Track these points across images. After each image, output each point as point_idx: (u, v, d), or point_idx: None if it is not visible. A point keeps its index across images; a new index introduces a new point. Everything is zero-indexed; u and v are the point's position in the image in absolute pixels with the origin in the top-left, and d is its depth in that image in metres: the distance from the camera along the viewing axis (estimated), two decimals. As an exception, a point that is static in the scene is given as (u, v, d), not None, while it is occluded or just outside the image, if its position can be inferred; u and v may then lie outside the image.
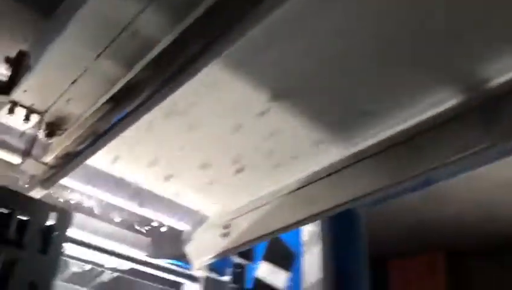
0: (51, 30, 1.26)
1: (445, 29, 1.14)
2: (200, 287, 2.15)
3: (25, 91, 1.34)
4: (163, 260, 2.22)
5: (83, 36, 1.16)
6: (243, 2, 0.95)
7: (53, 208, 1.28)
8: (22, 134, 1.49)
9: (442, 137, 1.32)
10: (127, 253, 2.05)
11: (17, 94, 1.34)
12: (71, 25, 1.13)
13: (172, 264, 2.20)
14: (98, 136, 1.26)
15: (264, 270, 2.51)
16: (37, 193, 1.42)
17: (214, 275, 2.24)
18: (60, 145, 1.45)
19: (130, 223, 2.12)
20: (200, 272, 2.16)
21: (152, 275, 2.23)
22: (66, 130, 1.46)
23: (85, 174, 1.77)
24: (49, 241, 1.23)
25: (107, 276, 2.29)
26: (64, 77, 1.27)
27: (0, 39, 1.44)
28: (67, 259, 2.10)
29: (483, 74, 1.23)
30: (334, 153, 1.56)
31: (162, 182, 1.79)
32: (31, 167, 1.41)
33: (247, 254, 1.99)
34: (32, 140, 1.41)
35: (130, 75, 1.22)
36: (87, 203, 1.97)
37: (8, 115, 1.40)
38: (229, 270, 2.40)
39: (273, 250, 2.55)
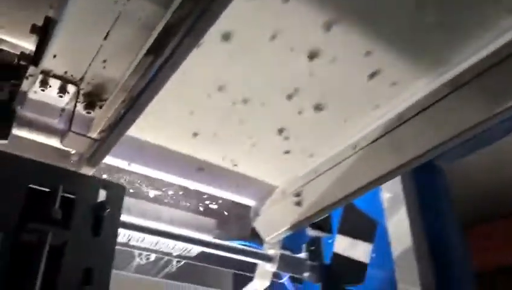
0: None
1: None
2: (275, 267, 1.95)
3: (55, 56, 1.17)
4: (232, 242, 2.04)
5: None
6: None
7: (102, 182, 1.12)
8: (62, 111, 1.34)
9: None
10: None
11: (46, 61, 1.18)
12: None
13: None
14: (139, 94, 1.07)
15: (342, 244, 2.27)
16: (85, 173, 1.27)
17: (288, 253, 2.03)
18: (102, 118, 1.29)
19: (193, 204, 1.95)
20: (273, 251, 1.96)
21: (222, 259, 2.06)
22: (106, 100, 1.30)
23: (138, 153, 1.60)
24: (101, 222, 1.06)
25: (174, 265, 2.15)
26: (96, 31, 1.10)
27: (25, 6, 1.30)
28: (131, 249, 1.97)
29: None
30: (417, 88, 1.30)
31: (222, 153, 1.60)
32: (74, 144, 1.25)
33: (323, 225, 1.76)
34: (72, 114, 1.25)
35: (168, 15, 1.02)
36: (143, 186, 1.81)
37: (42, 91, 1.25)
38: (305, 247, 2.18)
39: (349, 221, 2.30)
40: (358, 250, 2.22)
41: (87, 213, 1.05)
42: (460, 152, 2.18)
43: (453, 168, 2.35)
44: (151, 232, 1.81)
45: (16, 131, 1.38)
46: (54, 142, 1.38)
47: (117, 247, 1.93)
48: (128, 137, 1.44)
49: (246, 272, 2.14)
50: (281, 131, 1.50)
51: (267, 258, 1.96)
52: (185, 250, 1.95)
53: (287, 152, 1.59)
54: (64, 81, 1.24)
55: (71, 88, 1.26)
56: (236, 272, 2.23)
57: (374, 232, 2.16)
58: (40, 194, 1.00)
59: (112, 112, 1.24)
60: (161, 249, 1.95)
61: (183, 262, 2.11)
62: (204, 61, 1.26)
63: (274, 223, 1.70)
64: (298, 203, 1.62)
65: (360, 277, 2.19)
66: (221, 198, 1.85)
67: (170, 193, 2.05)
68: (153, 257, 2.05)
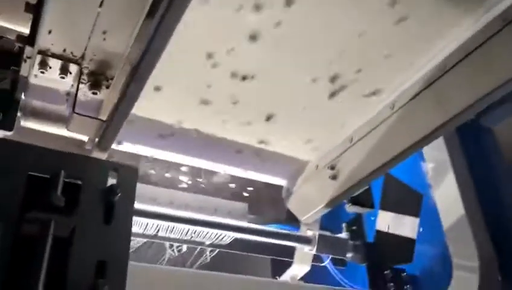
0: None
1: None
2: (314, 249, 1.81)
3: (50, 32, 1.07)
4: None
5: None
6: None
7: (111, 164, 1.01)
8: (67, 95, 1.24)
9: None
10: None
11: (42, 39, 1.08)
12: None
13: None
14: (139, 62, 0.95)
15: (386, 220, 2.10)
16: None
17: (328, 233, 1.89)
18: (111, 99, 1.18)
19: (222, 189, 1.83)
20: (311, 232, 1.82)
21: (257, 245, 1.94)
22: (113, 78, 1.19)
23: (156, 137, 1.49)
24: (112, 208, 0.95)
25: (208, 255, 2.05)
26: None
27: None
28: (161, 241, 1.87)
29: None
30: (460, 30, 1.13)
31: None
32: (79, 127, 1.15)
33: (364, 199, 1.60)
34: (75, 95, 1.15)
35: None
36: (167, 172, 1.71)
37: (42, 74, 1.15)
38: (345, 226, 2.03)
39: (391, 195, 2.13)
40: (404, 225, 2.05)
41: (96, 199, 0.94)
42: (510, 109, 1.97)
43: (502, 130, 2.15)
44: (179, 220, 1.70)
45: (23, 122, 1.30)
46: (64, 131, 1.29)
47: (146, 240, 1.84)
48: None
49: (284, 258, 2.01)
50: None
51: (305, 240, 1.82)
52: (218, 238, 1.84)
53: (316, 123, 1.45)
54: (65, 60, 1.13)
55: (73, 68, 1.15)
56: (274, 258, 2.11)
57: (419, 205, 1.99)
58: (41, 181, 0.90)
59: (118, 91, 1.13)
60: (193, 239, 1.85)
61: (216, 251, 2.00)
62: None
63: (309, 201, 1.55)
64: (333, 177, 1.47)
65: (408, 255, 2.02)
66: (251, 180, 1.72)
67: (198, 179, 1.94)
68: (184, 247, 1.95)
